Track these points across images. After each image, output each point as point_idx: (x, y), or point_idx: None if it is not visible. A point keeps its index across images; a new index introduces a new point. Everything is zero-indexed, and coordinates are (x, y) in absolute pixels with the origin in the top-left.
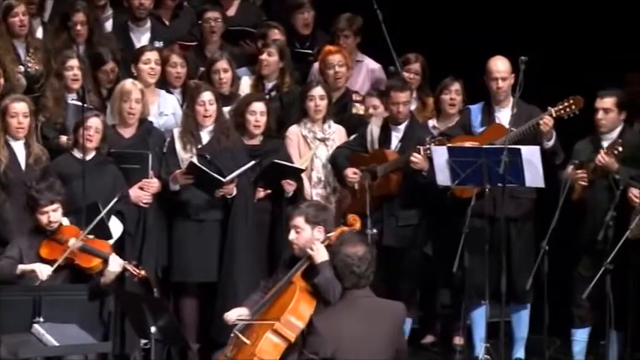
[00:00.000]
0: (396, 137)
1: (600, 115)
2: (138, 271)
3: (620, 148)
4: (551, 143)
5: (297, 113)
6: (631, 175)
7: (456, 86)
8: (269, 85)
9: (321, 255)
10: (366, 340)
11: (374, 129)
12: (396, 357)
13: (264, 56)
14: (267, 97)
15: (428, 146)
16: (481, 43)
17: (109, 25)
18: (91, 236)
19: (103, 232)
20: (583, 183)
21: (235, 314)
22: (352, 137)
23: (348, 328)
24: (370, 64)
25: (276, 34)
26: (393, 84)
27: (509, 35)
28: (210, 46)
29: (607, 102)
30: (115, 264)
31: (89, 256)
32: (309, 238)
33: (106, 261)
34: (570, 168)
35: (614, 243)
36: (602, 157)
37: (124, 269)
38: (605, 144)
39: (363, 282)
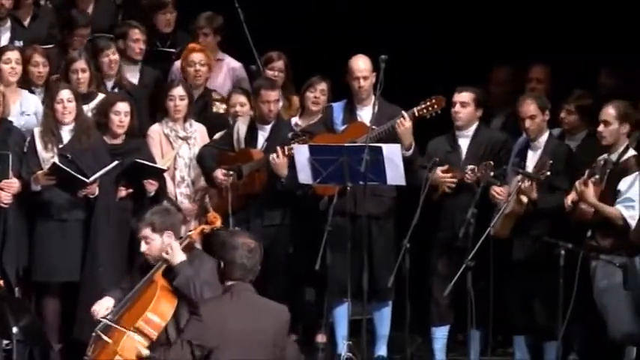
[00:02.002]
0: (262, 136)
1: (457, 108)
2: None
3: (492, 173)
4: (409, 153)
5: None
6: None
7: (322, 86)
8: (109, 83)
9: (177, 257)
10: (250, 334)
11: (241, 128)
12: (280, 357)
13: (111, 57)
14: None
15: (291, 146)
16: (345, 42)
17: None
18: None
19: None
20: (448, 189)
21: (103, 306)
22: (218, 135)
23: (234, 320)
24: (231, 63)
25: (137, 34)
26: (262, 83)
27: (373, 34)
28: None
29: (465, 96)
30: None
31: None
32: (160, 246)
33: None
34: (438, 170)
35: (474, 240)
36: (469, 177)
37: None
38: (460, 141)
39: (250, 276)
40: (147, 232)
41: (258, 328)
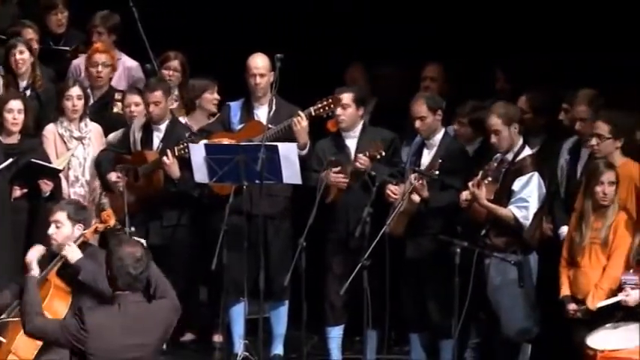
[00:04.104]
0: (157, 137)
1: (339, 111)
2: None
3: (383, 153)
4: (304, 152)
5: (54, 112)
6: (386, 172)
7: (216, 88)
8: (23, 83)
9: (74, 254)
10: (133, 348)
11: (136, 129)
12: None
13: (18, 56)
14: (25, 95)
15: (181, 146)
16: (242, 40)
17: None
18: None
19: None
20: (341, 187)
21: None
22: (112, 135)
23: (118, 334)
24: (127, 62)
25: (30, 34)
26: (146, 83)
27: (271, 33)
28: None
29: (345, 97)
30: None
31: None
32: (68, 234)
33: None
34: (331, 171)
35: (370, 239)
36: (361, 163)
37: None
38: (347, 141)
39: (137, 284)
40: (61, 216)
41: (141, 343)
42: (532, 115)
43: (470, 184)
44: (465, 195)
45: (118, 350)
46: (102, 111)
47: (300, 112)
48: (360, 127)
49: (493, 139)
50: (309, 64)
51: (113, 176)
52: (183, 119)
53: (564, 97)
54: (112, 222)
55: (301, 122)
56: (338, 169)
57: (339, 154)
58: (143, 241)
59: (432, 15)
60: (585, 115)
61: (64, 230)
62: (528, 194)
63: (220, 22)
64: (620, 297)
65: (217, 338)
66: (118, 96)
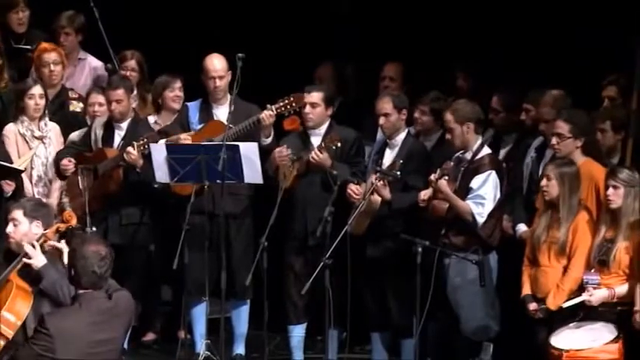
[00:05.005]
0: (118, 135)
1: (307, 109)
2: None
3: (338, 144)
4: (269, 140)
5: (15, 112)
6: (347, 171)
7: (179, 83)
8: None
9: (39, 260)
10: (99, 344)
11: (98, 127)
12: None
13: None
14: None
15: (142, 142)
16: (200, 40)
17: None
18: None
19: None
20: (283, 163)
21: None
22: (74, 135)
23: (82, 331)
24: (93, 62)
25: None
26: (109, 81)
27: (229, 33)
28: None
29: (314, 96)
30: None
31: None
32: (26, 231)
33: None
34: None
35: (332, 238)
36: (316, 155)
37: None
38: (313, 139)
39: (101, 283)
40: (18, 214)
41: (108, 338)
42: (504, 113)
43: (432, 176)
44: (423, 194)
45: (86, 348)
46: (59, 110)
47: (269, 106)
48: (326, 125)
49: (447, 135)
50: (267, 64)
51: (65, 160)
52: (152, 118)
53: (526, 98)
54: (74, 221)
55: (271, 117)
56: (284, 147)
57: (304, 149)
58: None
59: (394, 15)
60: (549, 116)
61: (21, 228)
62: (485, 192)
63: (180, 21)
64: (584, 297)
65: (180, 336)
66: (72, 94)
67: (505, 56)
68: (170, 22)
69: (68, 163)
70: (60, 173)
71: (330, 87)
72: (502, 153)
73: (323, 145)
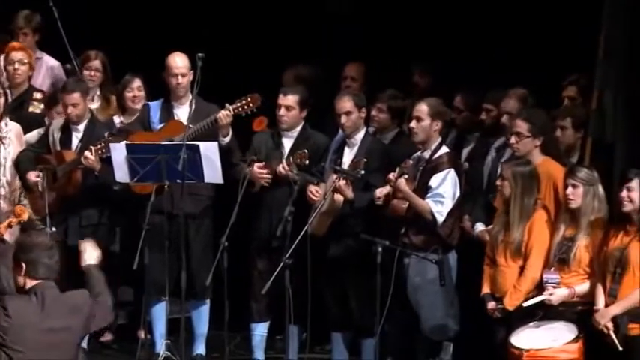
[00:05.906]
0: (76, 137)
1: (282, 112)
2: None
3: (307, 162)
4: (227, 139)
5: None
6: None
7: (137, 83)
8: None
9: None
10: (56, 334)
11: (55, 129)
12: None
13: None
14: None
15: (99, 146)
16: (162, 39)
17: None
18: None
19: None
20: (265, 184)
21: None
22: (31, 135)
23: (39, 321)
24: (50, 62)
25: None
26: (64, 84)
27: (190, 31)
28: None
29: (289, 99)
30: None
31: None
32: None
33: None
34: (255, 166)
35: (292, 238)
36: (282, 169)
37: None
38: (284, 140)
39: (53, 274)
40: None
41: (61, 326)
42: (467, 113)
43: (389, 176)
44: (379, 192)
45: (39, 334)
46: (17, 110)
47: (227, 105)
48: (299, 128)
49: (413, 124)
50: (227, 63)
51: (32, 176)
52: (118, 119)
53: (486, 98)
54: (26, 216)
55: (228, 117)
56: (262, 164)
57: (274, 149)
58: None
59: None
60: (514, 110)
61: None
62: (444, 190)
63: (141, 21)
64: (544, 296)
65: (140, 336)
66: (37, 95)
67: (465, 55)
68: (138, 21)
69: (37, 179)
70: (24, 181)
71: (305, 89)
72: (465, 152)
73: (291, 160)
